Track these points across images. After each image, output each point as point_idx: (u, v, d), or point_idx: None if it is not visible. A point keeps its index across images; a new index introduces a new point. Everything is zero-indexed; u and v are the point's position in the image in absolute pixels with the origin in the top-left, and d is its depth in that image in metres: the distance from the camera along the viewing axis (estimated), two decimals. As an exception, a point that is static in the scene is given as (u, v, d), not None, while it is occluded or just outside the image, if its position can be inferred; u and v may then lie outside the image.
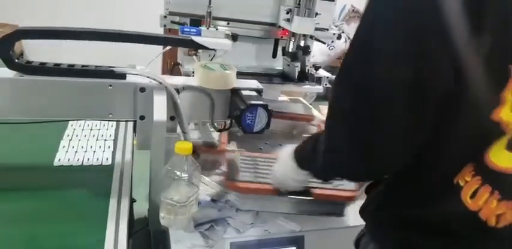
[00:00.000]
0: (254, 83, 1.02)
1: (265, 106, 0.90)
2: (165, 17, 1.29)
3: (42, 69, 0.85)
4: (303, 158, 0.79)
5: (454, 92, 0.52)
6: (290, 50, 1.38)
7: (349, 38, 3.76)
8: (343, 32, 3.73)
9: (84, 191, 0.92)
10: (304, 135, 1.41)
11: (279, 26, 1.41)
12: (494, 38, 0.49)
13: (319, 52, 3.28)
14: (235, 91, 0.96)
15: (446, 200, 0.58)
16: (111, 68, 0.89)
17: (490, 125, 0.53)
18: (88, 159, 1.04)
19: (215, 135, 1.23)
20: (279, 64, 1.54)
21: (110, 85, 0.87)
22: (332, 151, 0.66)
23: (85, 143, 1.13)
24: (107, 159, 1.05)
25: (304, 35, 1.33)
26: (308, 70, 1.41)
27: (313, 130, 1.47)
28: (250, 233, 0.89)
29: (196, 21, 1.26)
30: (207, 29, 1.09)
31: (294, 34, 1.34)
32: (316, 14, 1.27)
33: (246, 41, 1.46)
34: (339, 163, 0.67)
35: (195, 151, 1.06)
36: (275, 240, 0.89)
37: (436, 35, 0.49)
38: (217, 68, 0.96)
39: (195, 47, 1.07)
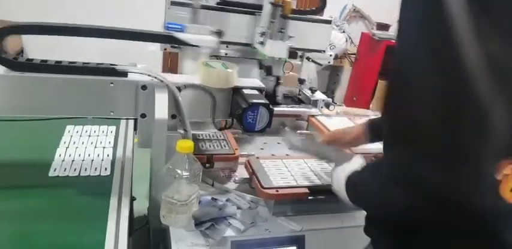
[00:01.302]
0: (256, 82, 1.02)
1: (266, 105, 0.90)
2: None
3: (44, 67, 0.84)
4: (356, 193, 0.71)
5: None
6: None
7: (349, 38, 3.75)
8: (343, 32, 3.72)
9: (85, 189, 0.91)
10: (299, 131, 1.41)
11: (254, 47, 1.40)
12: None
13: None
14: (237, 90, 0.96)
15: (482, 199, 0.54)
16: (113, 66, 0.88)
17: None
18: (85, 169, 0.97)
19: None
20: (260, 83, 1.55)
21: (112, 83, 0.87)
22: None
23: (83, 151, 1.06)
24: (106, 169, 0.98)
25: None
26: (301, 93, 1.46)
27: (303, 125, 1.48)
28: (251, 232, 0.89)
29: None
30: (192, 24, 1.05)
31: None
32: (290, 36, 1.26)
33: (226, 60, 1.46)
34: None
35: (209, 161, 1.05)
36: (276, 240, 0.89)
37: None
38: (218, 66, 0.95)
39: (178, 43, 1.03)
